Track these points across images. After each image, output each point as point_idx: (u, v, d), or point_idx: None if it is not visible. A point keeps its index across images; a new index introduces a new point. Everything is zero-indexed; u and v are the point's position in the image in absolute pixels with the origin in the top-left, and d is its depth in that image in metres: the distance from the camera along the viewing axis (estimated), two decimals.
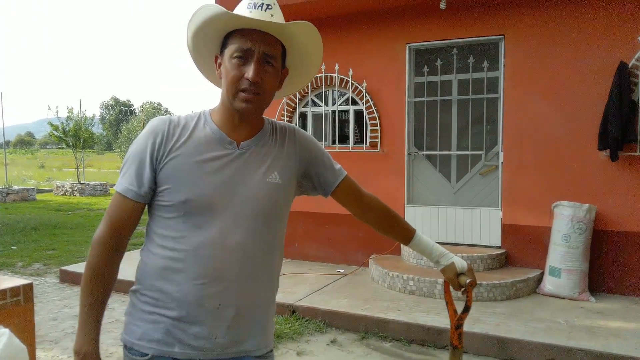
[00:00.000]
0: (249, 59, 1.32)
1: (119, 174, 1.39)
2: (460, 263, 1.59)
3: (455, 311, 1.61)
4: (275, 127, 1.50)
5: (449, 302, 1.63)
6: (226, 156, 1.37)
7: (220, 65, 1.40)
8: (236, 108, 1.35)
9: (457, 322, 1.58)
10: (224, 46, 1.39)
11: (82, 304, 1.34)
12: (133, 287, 1.40)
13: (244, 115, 1.38)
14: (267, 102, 1.40)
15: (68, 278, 6.03)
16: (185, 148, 1.35)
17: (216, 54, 1.43)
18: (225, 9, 1.29)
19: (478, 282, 4.62)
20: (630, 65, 4.88)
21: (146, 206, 1.40)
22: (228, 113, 1.40)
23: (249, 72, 1.31)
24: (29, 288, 2.91)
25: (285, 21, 1.36)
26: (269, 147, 1.44)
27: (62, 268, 6.23)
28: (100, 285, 1.35)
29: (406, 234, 1.63)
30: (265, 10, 1.32)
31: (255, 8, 1.32)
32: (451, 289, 1.64)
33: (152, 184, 1.35)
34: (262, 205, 1.37)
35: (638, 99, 4.86)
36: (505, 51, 5.50)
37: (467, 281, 1.55)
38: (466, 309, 1.58)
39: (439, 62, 5.89)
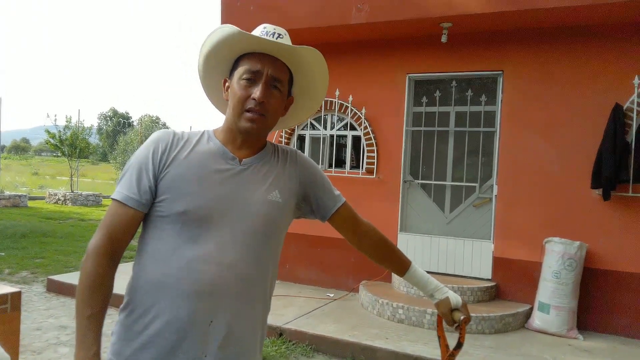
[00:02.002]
0: (257, 80, 1.37)
1: (117, 183, 1.36)
2: (455, 298, 1.59)
3: (447, 346, 1.59)
4: (276, 148, 1.53)
5: (441, 337, 1.61)
6: (228, 170, 1.38)
7: (228, 88, 1.44)
8: (240, 127, 1.38)
9: (449, 358, 1.56)
10: (233, 70, 1.44)
11: (80, 316, 1.25)
12: (122, 304, 1.37)
13: (248, 135, 1.41)
14: (271, 125, 1.43)
15: (55, 288, 5.97)
16: (187, 159, 1.36)
17: (225, 77, 1.48)
18: (239, 29, 1.35)
19: None
20: (625, 107, 4.98)
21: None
22: (232, 133, 1.42)
23: (256, 92, 1.35)
24: (17, 296, 2.89)
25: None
26: (271, 166, 1.46)
27: (50, 277, 6.16)
28: (99, 296, 1.27)
29: (401, 265, 1.64)
30: (276, 39, 1.38)
31: (267, 36, 1.38)
32: (444, 323, 1.63)
33: (153, 192, 1.34)
34: (261, 222, 1.38)
35: (631, 141, 4.94)
36: (504, 87, 5.60)
37: (461, 317, 1.54)
38: (459, 345, 1.56)
39: (437, 94, 5.98)
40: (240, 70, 1.39)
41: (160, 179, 1.34)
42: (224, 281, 1.31)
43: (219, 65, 1.47)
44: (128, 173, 1.35)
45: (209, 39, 1.42)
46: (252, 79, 1.37)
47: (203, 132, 1.46)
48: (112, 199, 1.35)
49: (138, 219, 1.34)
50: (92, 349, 1.22)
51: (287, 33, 1.43)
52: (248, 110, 1.36)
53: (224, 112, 1.55)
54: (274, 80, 1.38)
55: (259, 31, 1.40)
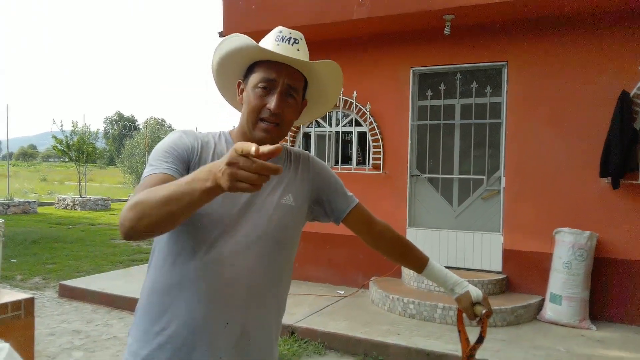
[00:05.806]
0: (272, 89, 1.35)
1: (148, 165, 1.29)
2: (476, 292, 1.58)
3: (467, 340, 1.58)
4: (290, 153, 1.53)
5: (462, 331, 1.60)
6: None
7: (242, 91, 1.43)
8: (254, 137, 1.37)
9: (470, 352, 1.55)
10: (248, 73, 1.42)
11: (169, 189, 1.08)
12: (138, 305, 1.39)
13: (262, 144, 1.38)
14: (285, 133, 1.42)
15: (67, 293, 6.01)
16: (208, 162, 1.33)
17: (239, 79, 1.46)
18: (255, 43, 1.33)
19: None
20: (632, 94, 4.93)
21: None
22: (246, 138, 1.41)
23: (272, 102, 1.33)
24: (30, 302, 2.92)
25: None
26: (284, 171, 1.46)
27: (62, 282, 6.21)
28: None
29: (419, 263, 1.63)
30: (292, 45, 1.36)
31: (282, 41, 1.36)
32: (464, 317, 1.62)
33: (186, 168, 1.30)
34: (274, 226, 1.38)
35: (639, 128, 4.90)
36: (508, 77, 5.56)
37: (483, 311, 1.53)
38: (480, 340, 1.55)
39: (442, 87, 5.96)
40: (255, 77, 1.37)
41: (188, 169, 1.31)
42: (239, 284, 1.33)
43: (234, 68, 1.46)
44: (165, 154, 1.29)
45: (224, 44, 1.40)
46: (267, 88, 1.35)
47: (220, 135, 1.45)
48: (147, 175, 1.25)
49: None
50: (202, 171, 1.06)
51: (302, 37, 1.41)
52: (263, 120, 1.35)
53: (238, 109, 1.53)
54: (290, 88, 1.37)
55: (274, 35, 1.38)
